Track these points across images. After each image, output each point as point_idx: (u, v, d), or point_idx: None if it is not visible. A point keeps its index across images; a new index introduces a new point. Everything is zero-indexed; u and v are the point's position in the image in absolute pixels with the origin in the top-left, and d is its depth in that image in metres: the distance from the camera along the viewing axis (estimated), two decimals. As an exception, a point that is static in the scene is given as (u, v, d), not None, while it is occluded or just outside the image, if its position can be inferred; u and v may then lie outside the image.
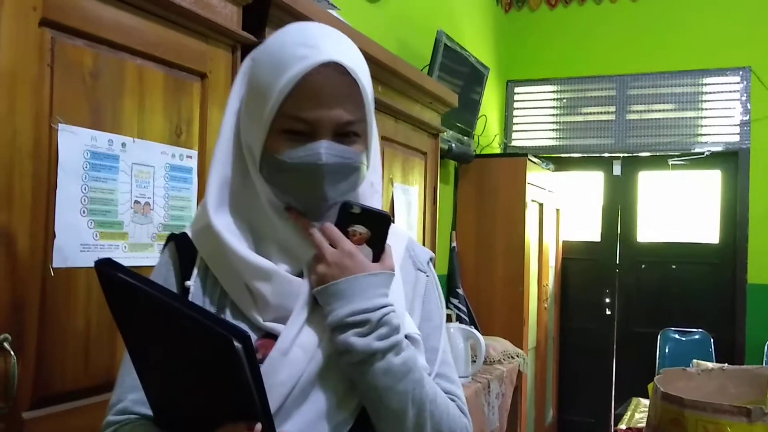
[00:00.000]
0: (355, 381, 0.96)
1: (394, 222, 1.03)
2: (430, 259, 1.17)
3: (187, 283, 1.02)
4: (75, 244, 1.24)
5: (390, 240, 1.05)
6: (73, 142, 1.24)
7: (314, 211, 1.01)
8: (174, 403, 0.93)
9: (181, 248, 1.06)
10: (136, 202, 1.36)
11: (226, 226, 1.00)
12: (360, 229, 0.99)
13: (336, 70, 0.96)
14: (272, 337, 0.98)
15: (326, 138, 0.97)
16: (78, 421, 1.27)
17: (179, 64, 1.48)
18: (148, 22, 1.40)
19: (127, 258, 1.34)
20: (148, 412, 0.98)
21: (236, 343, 0.79)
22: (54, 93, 1.22)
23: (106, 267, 0.87)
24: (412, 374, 0.97)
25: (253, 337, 0.99)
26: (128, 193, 1.35)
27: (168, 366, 0.91)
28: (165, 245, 1.09)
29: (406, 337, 1.01)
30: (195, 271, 1.03)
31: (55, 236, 1.21)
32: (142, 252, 1.38)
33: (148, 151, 1.39)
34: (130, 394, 1.01)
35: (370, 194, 1.07)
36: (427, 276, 1.14)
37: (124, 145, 1.34)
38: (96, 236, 1.28)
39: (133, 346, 0.93)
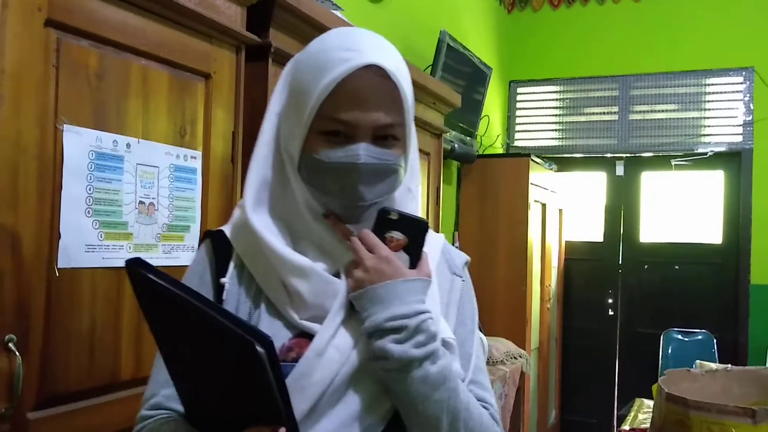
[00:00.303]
0: (389, 387, 0.96)
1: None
2: (466, 263, 1.17)
3: (222, 280, 1.02)
4: (80, 244, 1.24)
5: (426, 244, 1.05)
6: (78, 143, 1.24)
7: (351, 214, 1.01)
8: (201, 402, 0.94)
9: (217, 245, 1.06)
10: (141, 202, 1.36)
11: (264, 224, 1.01)
12: (397, 235, 0.99)
13: (377, 73, 0.97)
14: (307, 336, 0.99)
15: (365, 140, 0.97)
16: (83, 421, 1.27)
17: (183, 65, 1.48)
18: (153, 22, 1.40)
19: (131, 258, 1.34)
20: (181, 407, 0.99)
21: (259, 348, 0.80)
22: (59, 93, 1.22)
23: (135, 266, 0.87)
24: (447, 383, 0.96)
25: (288, 335, 1.00)
26: (133, 193, 1.34)
27: (195, 366, 0.92)
28: (201, 242, 1.09)
29: (442, 341, 1.01)
30: (230, 268, 1.03)
31: (60, 237, 1.21)
32: (147, 252, 1.38)
33: (152, 151, 1.39)
34: (163, 389, 1.01)
35: (408, 199, 1.08)
36: (463, 281, 1.14)
37: (128, 145, 1.34)
38: (101, 236, 1.28)
39: (162, 345, 0.94)
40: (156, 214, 1.40)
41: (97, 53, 1.29)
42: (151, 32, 1.40)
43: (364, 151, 0.97)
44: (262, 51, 1.69)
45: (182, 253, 1.47)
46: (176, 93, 1.46)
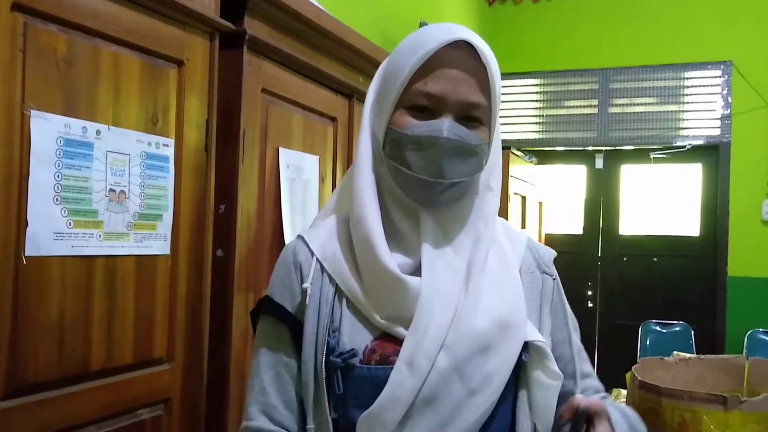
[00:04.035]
0: None
1: None
2: (553, 258, 1.18)
3: (304, 285, 1.05)
4: (48, 232, 1.22)
5: (509, 241, 1.10)
6: (46, 129, 1.22)
7: (430, 194, 1.01)
8: None
9: (300, 250, 1.10)
10: (111, 190, 1.34)
11: (377, 225, 1.03)
12: None
13: (468, 54, 1.00)
14: (388, 336, 1.01)
15: (449, 117, 0.99)
16: (52, 412, 1.25)
17: (156, 51, 1.46)
18: (124, 8, 1.38)
19: (102, 247, 1.32)
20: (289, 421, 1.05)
21: None
22: (26, 79, 1.19)
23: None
24: None
25: (369, 336, 1.03)
26: (103, 181, 1.32)
27: None
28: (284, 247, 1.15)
29: (528, 344, 1.03)
30: (311, 272, 1.06)
31: (27, 224, 1.19)
32: (118, 241, 1.36)
33: (123, 138, 1.37)
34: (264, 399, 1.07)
35: (489, 198, 1.10)
36: (554, 279, 1.14)
37: (98, 132, 1.32)
38: (70, 224, 1.26)
39: None
40: (127, 202, 1.38)
41: (65, 38, 1.26)
42: (122, 18, 1.38)
43: (447, 127, 0.98)
44: (237, 38, 1.67)
45: (154, 242, 1.45)
46: (148, 80, 1.44)
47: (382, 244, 1.01)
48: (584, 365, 1.14)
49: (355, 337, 1.02)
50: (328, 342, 1.02)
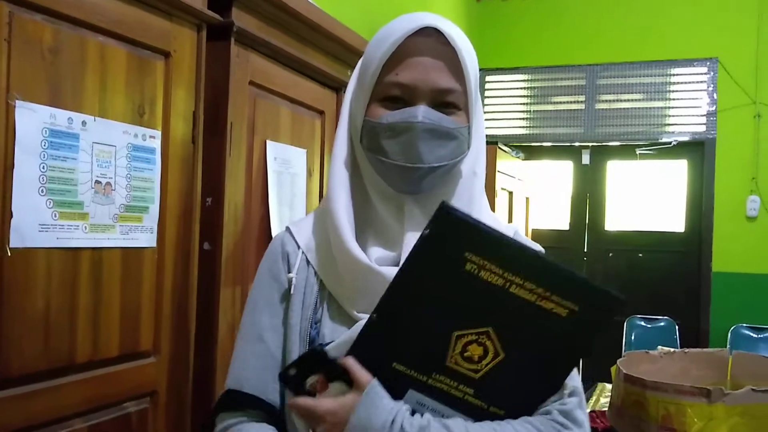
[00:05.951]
0: None
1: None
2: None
3: (290, 275, 1.07)
4: (33, 224, 1.21)
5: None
6: (32, 120, 1.21)
7: (411, 179, 1.00)
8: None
9: (287, 241, 1.11)
10: (97, 182, 1.33)
11: (340, 214, 1.02)
12: (312, 379, 0.93)
13: (438, 40, 0.99)
14: None
15: (424, 104, 0.99)
16: (37, 404, 1.25)
17: (142, 43, 1.45)
18: (110, -2, 1.37)
19: (87, 239, 1.32)
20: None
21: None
22: (11, 69, 1.18)
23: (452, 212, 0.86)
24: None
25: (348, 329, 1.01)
26: (89, 172, 1.31)
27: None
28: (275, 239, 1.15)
29: None
30: (296, 263, 1.07)
31: (12, 216, 1.18)
32: (104, 233, 1.35)
33: (109, 130, 1.36)
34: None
35: (474, 183, 1.09)
36: None
37: (84, 123, 1.31)
38: (55, 216, 1.25)
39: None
40: (113, 194, 1.37)
41: (51, 28, 1.25)
42: (108, 8, 1.36)
43: (422, 113, 0.98)
44: (225, 30, 1.66)
45: (140, 234, 1.44)
46: (135, 71, 1.43)
47: (349, 234, 1.01)
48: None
49: (336, 330, 1.02)
50: (309, 333, 1.03)
